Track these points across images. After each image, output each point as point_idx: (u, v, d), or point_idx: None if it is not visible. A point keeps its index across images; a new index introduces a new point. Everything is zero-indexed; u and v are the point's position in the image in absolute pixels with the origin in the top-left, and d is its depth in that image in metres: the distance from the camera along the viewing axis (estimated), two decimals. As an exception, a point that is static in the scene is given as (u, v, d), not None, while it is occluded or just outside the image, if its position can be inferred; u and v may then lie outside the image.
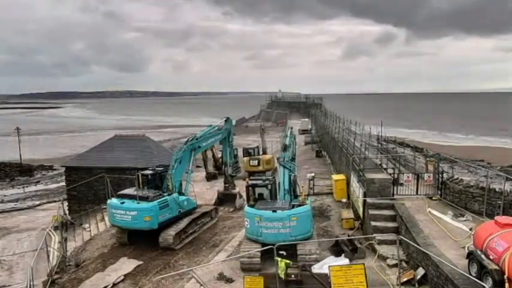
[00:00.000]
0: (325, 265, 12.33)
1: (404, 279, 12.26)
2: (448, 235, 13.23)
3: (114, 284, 14.30)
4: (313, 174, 24.66)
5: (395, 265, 13.02)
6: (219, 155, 27.87)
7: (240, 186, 22.38)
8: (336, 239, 15.74)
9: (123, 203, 16.92)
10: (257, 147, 33.91)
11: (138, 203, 16.72)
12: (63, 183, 32.66)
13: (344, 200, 20.47)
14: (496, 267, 9.65)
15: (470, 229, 12.87)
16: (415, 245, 12.32)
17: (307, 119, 61.25)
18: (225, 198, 23.10)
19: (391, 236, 14.23)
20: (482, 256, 10.23)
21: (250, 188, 16.43)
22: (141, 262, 15.80)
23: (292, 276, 12.20)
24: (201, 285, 13.38)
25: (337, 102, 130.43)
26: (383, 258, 14.08)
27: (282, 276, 11.59)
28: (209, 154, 30.58)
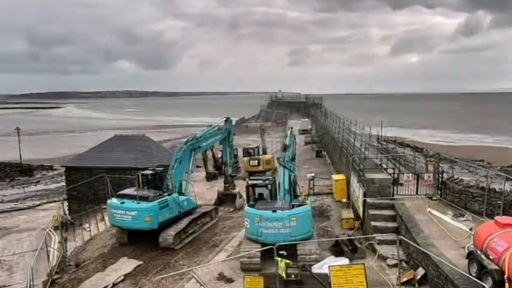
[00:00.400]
0: (325, 265, 12.32)
1: (404, 279, 12.26)
2: (448, 235, 13.23)
3: (114, 284, 14.30)
4: (313, 174, 24.66)
5: (395, 265, 13.02)
6: (219, 155, 27.87)
7: (240, 186, 22.37)
8: (336, 239, 15.74)
9: (123, 203, 16.93)
10: (257, 147, 33.91)
11: (138, 203, 16.72)
12: (63, 183, 32.64)
13: (344, 200, 20.48)
14: (496, 267, 9.65)
15: (470, 229, 12.87)
16: (415, 245, 12.32)
17: (307, 119, 61.27)
18: (225, 198, 23.10)
19: (391, 236, 14.23)
20: (482, 256, 10.23)
21: (250, 188, 16.44)
22: (141, 262, 15.80)
23: (292, 276, 12.21)
24: (201, 285, 13.39)
25: (340, 102, 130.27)
26: (383, 258, 14.08)
27: (284, 275, 11.58)
28: (209, 154, 30.58)
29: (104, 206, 21.16)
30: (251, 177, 17.78)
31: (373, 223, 15.70)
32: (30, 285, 13.31)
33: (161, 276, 13.93)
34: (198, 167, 31.41)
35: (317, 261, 13.62)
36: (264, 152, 35.18)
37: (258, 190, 16.47)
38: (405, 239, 12.84)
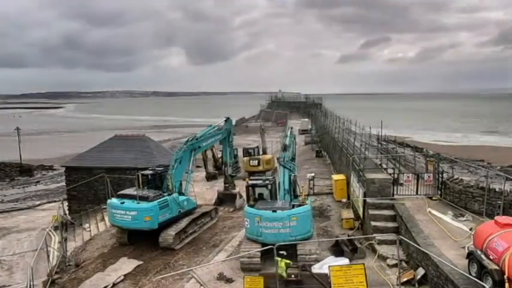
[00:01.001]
0: (325, 265, 12.32)
1: (404, 279, 12.27)
2: (448, 235, 13.24)
3: (114, 284, 14.30)
4: (313, 174, 24.66)
5: (395, 265, 13.02)
6: (219, 155, 27.86)
7: (240, 186, 22.37)
8: (336, 239, 15.75)
9: (123, 203, 16.92)
10: (257, 147, 33.89)
11: (138, 203, 16.72)
12: (63, 183, 32.61)
13: (344, 200, 20.50)
14: (496, 267, 9.65)
15: (470, 229, 12.88)
16: (415, 245, 12.33)
17: (307, 119, 61.30)
18: (225, 198, 23.10)
19: (391, 236, 14.24)
20: (482, 256, 10.24)
21: (250, 188, 16.45)
22: (141, 262, 15.80)
23: (292, 276, 12.21)
24: (201, 285, 13.39)
25: (341, 102, 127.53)
26: (383, 258, 14.09)
27: (284, 275, 11.58)
28: (209, 154, 30.57)
29: (104, 206, 21.16)
30: (251, 177, 17.78)
31: (373, 223, 15.70)
32: (30, 285, 13.30)
33: (161, 276, 13.94)
34: (198, 167, 31.40)
35: (317, 261, 13.62)
36: (264, 152, 35.16)
37: (258, 190, 16.48)
38: (405, 239, 12.83)
